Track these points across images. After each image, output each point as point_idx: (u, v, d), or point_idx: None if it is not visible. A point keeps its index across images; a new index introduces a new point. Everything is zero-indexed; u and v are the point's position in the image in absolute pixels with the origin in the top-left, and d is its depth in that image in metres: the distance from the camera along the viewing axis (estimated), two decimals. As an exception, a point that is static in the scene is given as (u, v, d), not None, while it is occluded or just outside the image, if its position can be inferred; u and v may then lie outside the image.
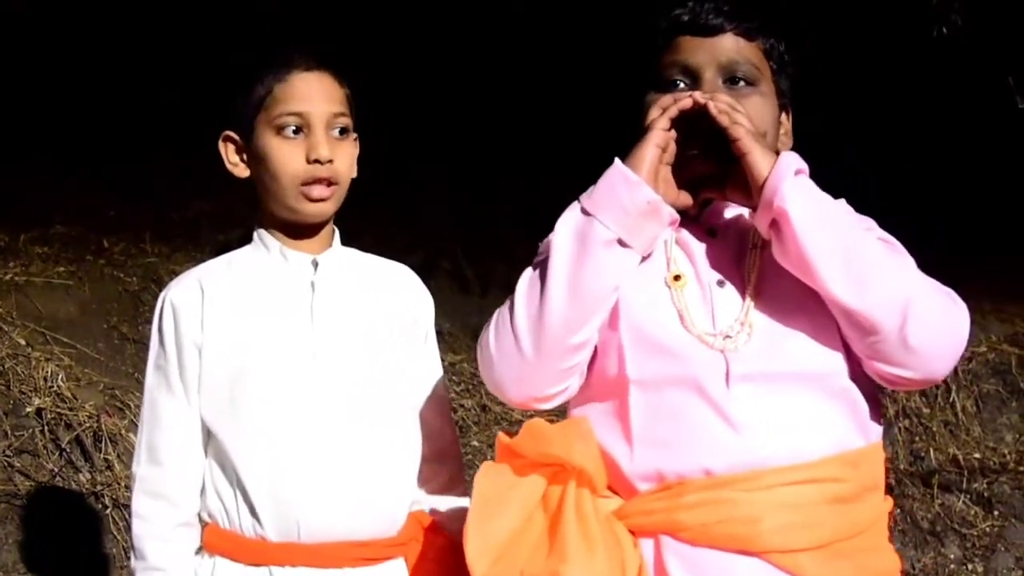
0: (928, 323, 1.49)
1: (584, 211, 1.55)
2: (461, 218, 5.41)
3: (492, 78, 6.08)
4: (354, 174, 1.79)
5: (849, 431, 1.56)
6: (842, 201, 1.62)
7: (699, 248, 1.64)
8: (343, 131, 1.74)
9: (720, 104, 1.53)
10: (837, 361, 1.56)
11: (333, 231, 1.81)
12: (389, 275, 1.86)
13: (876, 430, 1.61)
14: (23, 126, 5.32)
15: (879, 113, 6.09)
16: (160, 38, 5.93)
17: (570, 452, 1.56)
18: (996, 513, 4.13)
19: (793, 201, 1.49)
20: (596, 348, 1.62)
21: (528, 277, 1.58)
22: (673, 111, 1.55)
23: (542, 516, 1.56)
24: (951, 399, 4.43)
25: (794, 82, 1.72)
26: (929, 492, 4.13)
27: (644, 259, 1.59)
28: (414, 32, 6.11)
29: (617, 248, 1.53)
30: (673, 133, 1.56)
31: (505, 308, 1.59)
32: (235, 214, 4.44)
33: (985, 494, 4.16)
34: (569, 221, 1.56)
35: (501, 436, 1.61)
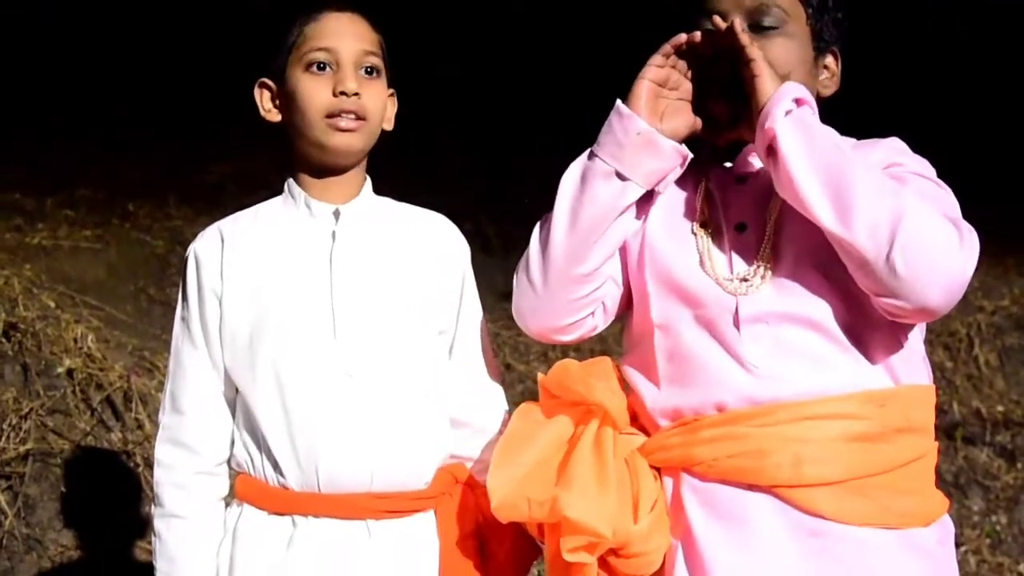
0: (917, 250, 1.46)
1: (590, 154, 1.64)
2: (482, 181, 5.41)
3: (513, 41, 6.05)
4: (389, 125, 1.78)
5: (870, 371, 1.57)
6: (894, 139, 1.66)
7: (727, 195, 1.68)
8: (372, 71, 1.72)
9: (740, 24, 1.57)
10: (855, 303, 1.56)
11: (364, 179, 1.79)
12: (422, 223, 1.83)
13: (913, 372, 1.61)
14: (47, 91, 5.36)
15: (903, 49, 6.02)
16: (182, 4, 5.94)
17: (590, 388, 1.62)
18: (1019, 465, 4.14)
19: (782, 123, 1.52)
20: (632, 296, 1.69)
21: (542, 219, 1.68)
22: (667, 47, 1.61)
23: (565, 452, 1.61)
24: (974, 353, 4.42)
25: (840, 25, 1.71)
26: (952, 445, 4.14)
27: (670, 204, 1.67)
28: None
29: (615, 180, 1.61)
30: (670, 69, 1.62)
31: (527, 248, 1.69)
32: (258, 176, 4.46)
33: (1008, 447, 4.17)
34: (576, 164, 1.65)
35: (540, 376, 1.69)
